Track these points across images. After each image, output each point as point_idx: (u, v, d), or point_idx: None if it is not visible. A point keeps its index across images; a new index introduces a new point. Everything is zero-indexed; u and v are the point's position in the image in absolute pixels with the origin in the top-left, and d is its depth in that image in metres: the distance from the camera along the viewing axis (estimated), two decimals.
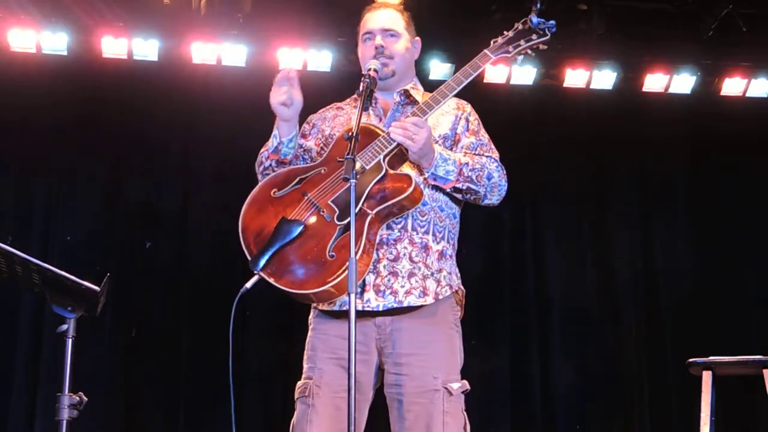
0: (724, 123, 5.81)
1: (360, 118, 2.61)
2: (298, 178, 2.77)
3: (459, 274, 2.90)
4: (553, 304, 5.84)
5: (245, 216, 2.74)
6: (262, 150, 2.90)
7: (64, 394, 2.38)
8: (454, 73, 2.91)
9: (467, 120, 2.94)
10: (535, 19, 2.88)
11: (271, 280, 2.62)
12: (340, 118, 2.99)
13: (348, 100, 3.07)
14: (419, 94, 2.97)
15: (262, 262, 2.62)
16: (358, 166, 2.55)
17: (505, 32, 2.92)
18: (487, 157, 2.86)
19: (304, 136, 2.98)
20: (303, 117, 2.96)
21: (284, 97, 2.74)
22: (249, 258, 2.66)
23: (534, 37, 2.89)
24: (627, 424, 5.76)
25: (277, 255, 2.64)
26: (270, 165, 2.85)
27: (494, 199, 2.86)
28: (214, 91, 5.44)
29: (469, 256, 5.75)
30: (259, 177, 2.89)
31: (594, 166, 6.04)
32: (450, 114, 2.92)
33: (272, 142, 2.83)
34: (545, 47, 2.93)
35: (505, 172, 2.87)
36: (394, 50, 2.92)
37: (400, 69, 2.94)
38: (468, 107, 2.99)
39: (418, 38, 3.03)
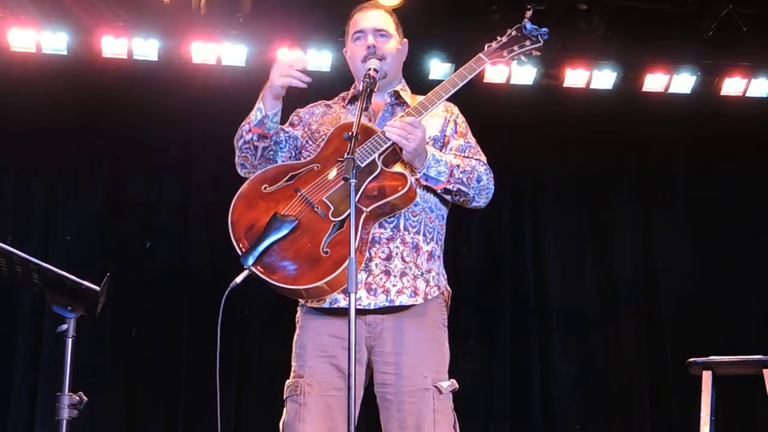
0: (724, 123, 5.81)
1: (360, 118, 2.61)
2: (289, 174, 2.77)
3: (446, 275, 2.91)
4: (553, 304, 5.84)
5: (235, 211, 2.72)
6: (242, 124, 2.87)
7: (64, 394, 2.38)
8: (454, 72, 2.91)
9: (455, 122, 2.96)
10: (528, 25, 2.91)
11: (263, 276, 2.61)
12: (328, 116, 2.99)
13: (336, 99, 3.08)
14: (408, 95, 2.99)
15: (254, 257, 2.61)
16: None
17: (498, 37, 2.95)
18: (476, 159, 2.88)
19: (292, 125, 3.00)
20: (291, 111, 2.99)
21: (293, 81, 2.73)
22: (239, 253, 2.64)
23: (527, 43, 2.92)
24: (627, 424, 5.75)
25: (269, 250, 2.63)
26: (251, 139, 2.82)
27: (482, 201, 2.88)
28: (214, 91, 5.43)
29: (469, 256, 5.79)
30: (237, 152, 2.87)
31: (594, 166, 6.03)
32: (439, 116, 2.92)
33: (256, 116, 2.80)
34: (538, 53, 2.95)
35: (492, 175, 2.89)
36: (386, 50, 2.92)
37: (392, 70, 2.95)
38: (455, 110, 3.00)
39: (405, 40, 3.04)
